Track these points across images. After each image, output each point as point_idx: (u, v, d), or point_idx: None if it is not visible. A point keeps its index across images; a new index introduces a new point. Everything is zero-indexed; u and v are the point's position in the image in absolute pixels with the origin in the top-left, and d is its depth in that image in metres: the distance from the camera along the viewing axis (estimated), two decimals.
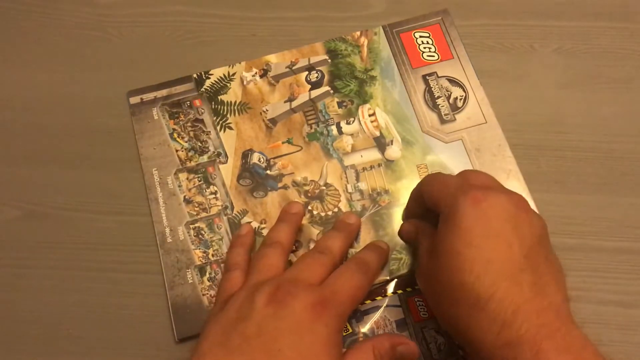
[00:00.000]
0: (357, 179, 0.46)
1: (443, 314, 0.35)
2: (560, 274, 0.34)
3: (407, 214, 0.44)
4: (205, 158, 0.47)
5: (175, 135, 0.48)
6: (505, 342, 0.30)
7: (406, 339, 0.38)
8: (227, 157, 0.47)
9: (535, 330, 0.30)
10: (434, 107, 0.48)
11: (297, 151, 0.47)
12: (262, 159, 0.47)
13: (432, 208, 0.38)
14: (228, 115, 0.49)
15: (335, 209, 0.46)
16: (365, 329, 0.41)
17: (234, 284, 0.39)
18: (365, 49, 0.51)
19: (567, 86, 0.49)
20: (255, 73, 0.50)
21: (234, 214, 0.46)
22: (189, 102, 0.49)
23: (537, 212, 0.38)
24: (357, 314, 0.41)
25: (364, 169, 0.47)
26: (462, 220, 0.33)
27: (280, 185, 0.46)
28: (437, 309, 0.36)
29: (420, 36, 0.51)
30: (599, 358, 0.30)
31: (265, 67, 0.50)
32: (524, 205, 0.35)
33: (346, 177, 0.46)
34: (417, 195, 0.41)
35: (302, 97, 0.49)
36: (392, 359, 0.37)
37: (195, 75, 0.50)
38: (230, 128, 0.48)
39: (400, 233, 0.44)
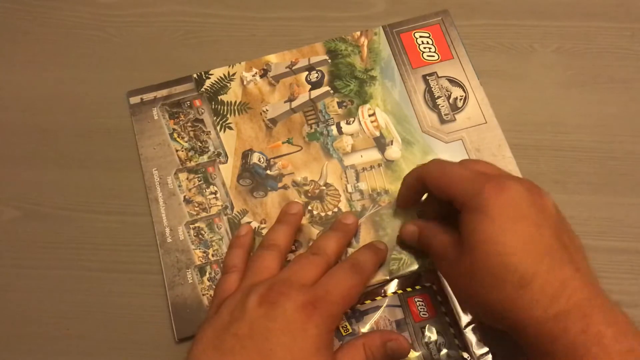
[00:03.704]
0: (357, 179, 0.46)
1: (483, 302, 0.35)
2: (583, 251, 0.35)
3: (402, 202, 0.44)
4: (205, 158, 0.47)
5: (175, 135, 0.48)
6: (554, 314, 0.31)
7: (396, 334, 0.38)
8: (227, 157, 0.47)
9: (584, 303, 0.31)
10: (434, 107, 0.48)
11: (297, 151, 0.47)
12: (262, 159, 0.47)
13: (443, 199, 0.38)
14: (228, 115, 0.49)
15: (335, 209, 0.46)
16: (365, 329, 0.41)
17: (230, 287, 0.39)
18: (365, 49, 0.51)
19: (567, 86, 0.49)
20: (255, 73, 0.50)
21: (233, 214, 0.46)
22: (189, 102, 0.49)
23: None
24: (357, 314, 0.41)
25: (363, 169, 0.47)
26: (490, 209, 0.34)
27: (280, 185, 0.46)
28: (474, 299, 0.36)
29: (421, 36, 0.51)
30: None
31: (265, 67, 0.50)
32: (537, 189, 0.36)
33: (346, 177, 0.46)
34: (415, 183, 0.41)
35: (302, 97, 0.49)
36: (383, 355, 0.37)
37: (195, 75, 0.50)
38: (230, 128, 0.48)
39: (402, 235, 0.44)
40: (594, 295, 0.32)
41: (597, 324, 0.30)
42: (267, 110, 0.49)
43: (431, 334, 0.41)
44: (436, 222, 0.41)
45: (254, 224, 0.45)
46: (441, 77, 0.49)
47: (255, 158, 0.47)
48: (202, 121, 0.49)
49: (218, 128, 0.48)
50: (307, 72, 0.50)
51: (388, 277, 0.43)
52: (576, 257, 0.34)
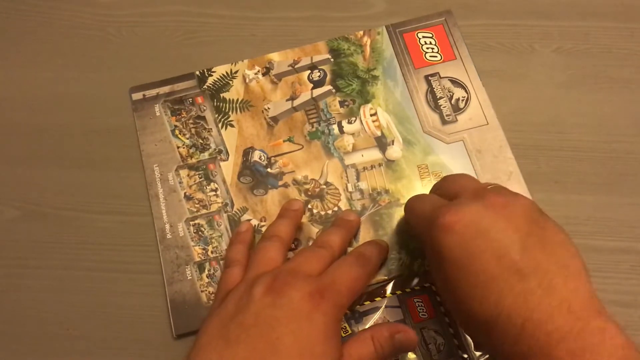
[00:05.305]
0: (358, 179, 0.46)
1: (461, 326, 0.35)
2: (562, 248, 0.32)
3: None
4: (206, 155, 0.47)
5: (177, 132, 0.48)
6: (519, 353, 0.30)
7: (404, 326, 0.38)
8: (228, 155, 0.47)
9: (546, 338, 0.29)
10: (436, 107, 0.48)
11: (298, 150, 0.47)
12: (263, 157, 0.47)
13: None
14: (230, 113, 0.49)
15: (335, 208, 0.45)
16: None
17: (233, 280, 0.39)
18: (368, 49, 0.51)
19: (567, 86, 0.50)
20: (258, 71, 0.50)
21: (234, 212, 0.46)
22: (191, 99, 0.49)
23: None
24: (357, 315, 0.41)
25: (364, 168, 0.47)
26: (442, 251, 0.32)
27: (280, 183, 0.46)
28: (456, 320, 0.37)
29: (424, 36, 0.51)
30: (621, 347, 0.28)
31: (267, 66, 0.50)
32: (498, 200, 0.33)
33: (347, 177, 0.46)
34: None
35: (304, 96, 0.49)
36: (391, 347, 0.37)
37: (197, 73, 0.50)
38: (232, 125, 0.48)
39: None
40: (562, 321, 0.29)
41: (559, 358, 0.28)
42: (268, 108, 0.49)
43: (430, 334, 0.41)
44: None
45: (254, 222, 0.45)
46: (443, 77, 0.49)
47: (256, 156, 0.47)
48: (203, 118, 0.49)
49: (219, 125, 0.48)
50: (309, 71, 0.50)
51: (387, 277, 0.43)
52: (551, 268, 0.30)
